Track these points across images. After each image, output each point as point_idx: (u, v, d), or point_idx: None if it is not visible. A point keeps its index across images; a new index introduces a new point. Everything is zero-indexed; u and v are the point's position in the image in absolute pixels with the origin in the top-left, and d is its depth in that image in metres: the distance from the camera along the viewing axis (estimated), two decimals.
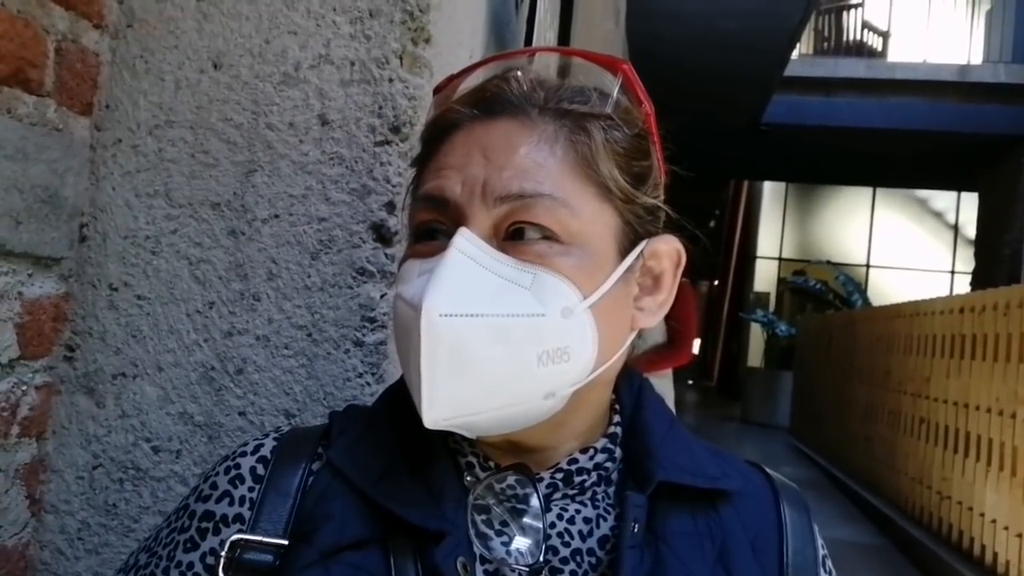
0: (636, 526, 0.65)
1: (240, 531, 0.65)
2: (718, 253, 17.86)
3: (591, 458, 0.70)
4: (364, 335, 1.06)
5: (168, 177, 1.10)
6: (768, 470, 0.78)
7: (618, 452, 0.71)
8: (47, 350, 1.09)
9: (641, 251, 0.69)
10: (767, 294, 15.22)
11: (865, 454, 6.95)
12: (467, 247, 0.62)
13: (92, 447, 1.10)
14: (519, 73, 0.68)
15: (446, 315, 0.59)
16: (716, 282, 19.08)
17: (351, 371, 1.06)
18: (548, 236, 0.63)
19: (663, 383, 4.01)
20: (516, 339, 0.60)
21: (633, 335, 0.71)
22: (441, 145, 0.68)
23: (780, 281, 15.00)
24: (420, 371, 0.59)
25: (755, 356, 13.84)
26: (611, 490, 0.70)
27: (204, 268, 1.09)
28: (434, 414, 0.60)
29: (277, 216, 1.08)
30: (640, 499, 0.66)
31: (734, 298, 16.55)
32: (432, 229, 0.66)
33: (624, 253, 0.67)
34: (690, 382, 17.47)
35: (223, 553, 0.64)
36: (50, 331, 1.09)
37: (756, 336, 13.86)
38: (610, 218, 0.66)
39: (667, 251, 0.71)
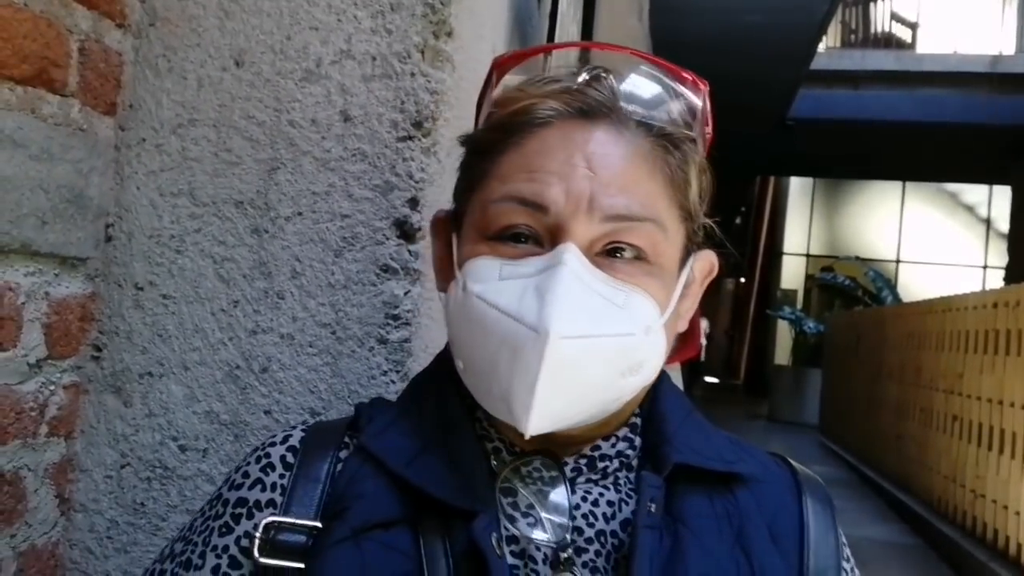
0: (653, 506, 0.66)
1: (273, 515, 0.67)
2: (745, 250, 17.72)
3: (613, 445, 0.71)
4: (388, 332, 1.05)
5: (192, 176, 1.10)
6: (792, 462, 0.78)
7: (638, 440, 0.73)
8: (75, 350, 1.10)
9: (691, 266, 0.72)
10: (794, 291, 15.08)
11: (897, 452, 6.85)
12: (576, 266, 0.62)
13: (120, 446, 1.11)
14: (610, 76, 0.68)
15: (567, 337, 0.60)
16: (743, 279, 18.94)
17: (375, 369, 1.05)
18: (639, 256, 0.65)
19: (672, 376, 3.99)
20: (610, 357, 0.63)
21: (673, 340, 0.72)
22: (529, 140, 0.66)
23: (808, 278, 14.86)
24: (534, 389, 0.60)
25: (782, 354, 13.71)
26: (632, 475, 0.71)
27: (228, 267, 1.09)
28: (539, 427, 0.62)
29: (300, 214, 1.07)
30: (656, 480, 0.67)
31: (761, 295, 16.41)
32: (520, 233, 0.65)
33: (681, 268, 0.70)
34: (716, 380, 17.35)
35: (258, 535, 0.66)
36: (77, 331, 1.09)
37: (783, 333, 13.73)
38: (683, 236, 0.70)
39: (700, 264, 0.74)
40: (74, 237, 1.06)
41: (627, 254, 0.65)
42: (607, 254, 0.65)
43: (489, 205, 0.67)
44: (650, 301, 0.65)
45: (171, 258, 1.10)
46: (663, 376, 0.77)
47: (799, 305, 14.30)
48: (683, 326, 0.73)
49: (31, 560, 1.05)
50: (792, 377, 11.93)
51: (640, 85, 0.69)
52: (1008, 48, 11.35)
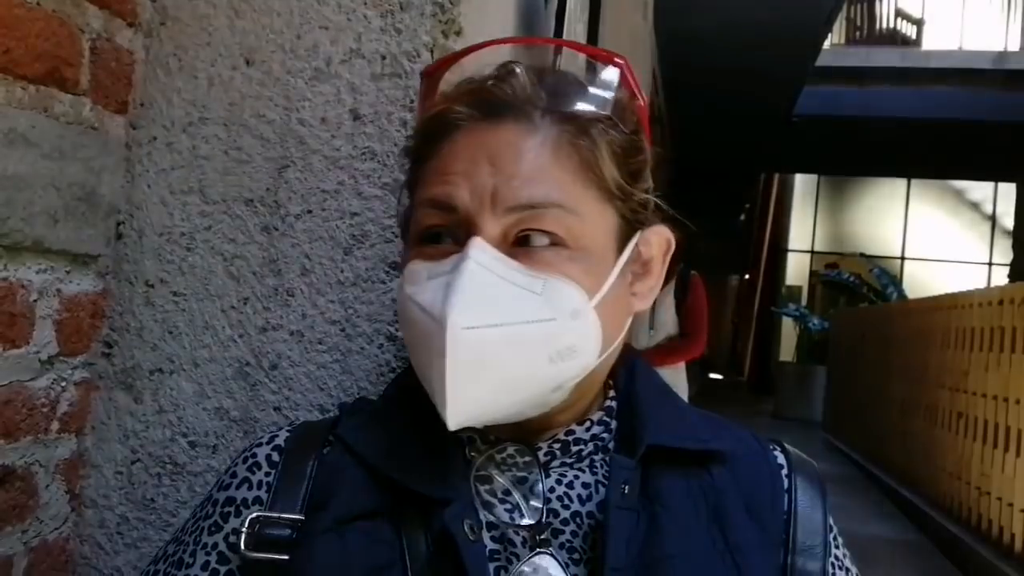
0: (626, 487, 0.67)
1: (259, 511, 0.69)
2: (749, 246, 17.69)
3: (587, 429, 0.73)
4: (398, 330, 1.05)
5: (202, 174, 1.11)
6: (787, 446, 0.79)
7: (614, 424, 0.74)
8: (86, 347, 1.10)
9: (636, 243, 0.72)
10: (799, 288, 15.04)
11: (902, 449, 6.84)
12: (482, 257, 0.64)
13: (130, 442, 1.11)
14: (518, 71, 0.69)
15: (469, 327, 0.61)
16: (747, 276, 18.91)
17: (384, 366, 1.06)
18: (556, 242, 0.66)
19: (676, 375, 3.99)
20: (530, 344, 0.64)
21: (630, 319, 0.74)
22: (441, 145, 0.69)
23: (812, 274, 14.82)
24: (444, 381, 0.61)
25: (787, 351, 13.69)
26: (608, 458, 0.72)
27: (238, 264, 1.10)
28: (457, 419, 0.63)
29: (310, 211, 1.08)
30: (627, 462, 0.68)
31: (765, 292, 16.38)
32: (439, 234, 0.68)
33: (621, 247, 0.70)
34: (720, 377, 17.35)
35: (244, 530, 0.67)
36: (88, 328, 1.10)
37: (788, 330, 13.71)
38: (610, 217, 0.69)
39: (656, 239, 0.74)
40: (85, 235, 1.07)
41: (540, 240, 0.65)
42: (520, 242, 0.66)
43: (415, 212, 0.71)
44: (572, 285, 0.65)
45: (181, 255, 1.11)
46: (638, 360, 0.79)
47: (804, 302, 14.24)
48: (646, 304, 0.73)
49: (42, 555, 1.06)
50: (797, 374, 11.91)
51: (549, 74, 0.71)
52: (1014, 44, 11.30)
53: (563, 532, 0.68)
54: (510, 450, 0.70)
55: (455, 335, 0.61)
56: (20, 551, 1.02)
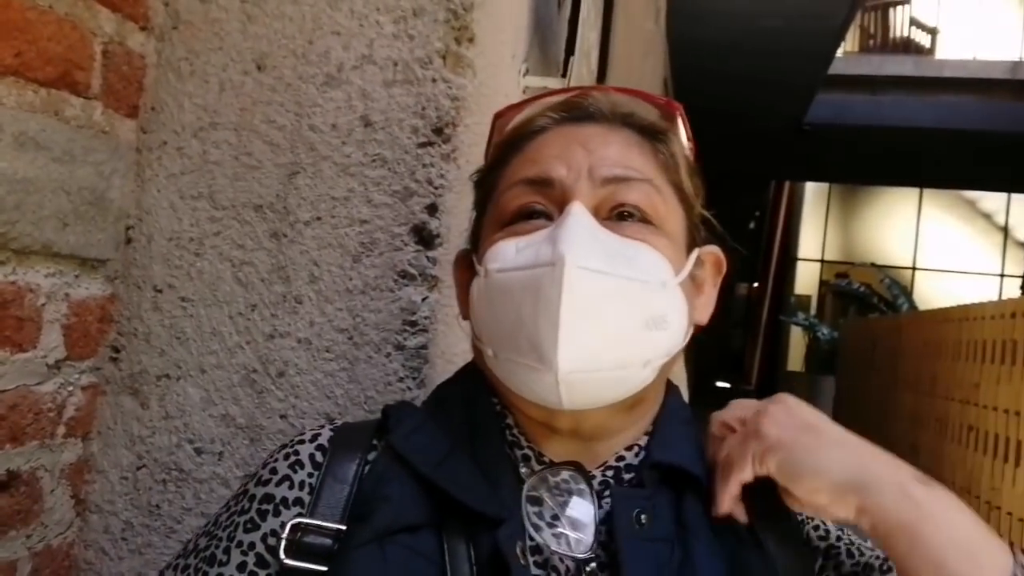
0: (643, 516, 0.66)
1: (300, 514, 0.67)
2: (758, 255, 17.64)
3: (636, 455, 0.72)
4: (405, 339, 1.05)
5: (212, 179, 1.10)
6: None
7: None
8: (93, 351, 1.10)
9: (698, 256, 0.75)
10: (808, 297, 14.98)
11: (911, 462, 6.74)
12: (583, 217, 0.66)
13: (136, 448, 1.11)
14: (595, 92, 0.76)
15: (584, 268, 0.63)
16: (756, 284, 18.85)
17: (392, 375, 1.05)
18: (644, 219, 0.69)
19: (676, 370, 3.98)
20: (630, 301, 0.66)
21: (691, 329, 0.74)
22: (528, 146, 0.73)
23: (822, 284, 14.77)
24: (558, 320, 0.62)
25: (795, 360, 13.63)
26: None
27: (247, 270, 1.09)
28: (567, 363, 0.62)
29: (319, 218, 1.07)
30: (636, 492, 0.68)
31: (774, 301, 16.32)
32: (532, 211, 0.70)
33: (688, 252, 0.74)
34: (727, 386, 17.29)
35: (284, 535, 0.66)
36: (96, 332, 1.10)
37: (797, 340, 13.66)
38: (682, 217, 0.74)
39: (711, 259, 0.78)
40: (94, 239, 1.06)
41: (633, 217, 0.69)
42: (614, 219, 0.69)
43: (500, 197, 0.72)
44: (660, 257, 0.68)
45: (190, 261, 1.10)
46: (674, 386, 0.79)
47: (813, 311, 14.21)
48: (700, 319, 0.75)
49: (46, 560, 1.05)
50: (805, 384, 11.85)
51: (623, 99, 0.77)
52: None
53: (607, 567, 0.66)
54: (565, 475, 0.68)
55: (572, 272, 0.62)
56: (24, 556, 1.02)
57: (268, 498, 0.69)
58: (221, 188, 1.10)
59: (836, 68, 8.44)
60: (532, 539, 0.65)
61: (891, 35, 12.66)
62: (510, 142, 0.75)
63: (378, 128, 1.07)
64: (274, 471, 0.71)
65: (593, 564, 0.65)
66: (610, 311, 0.64)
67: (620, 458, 0.71)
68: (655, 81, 6.02)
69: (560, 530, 0.66)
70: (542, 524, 0.66)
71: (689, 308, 0.72)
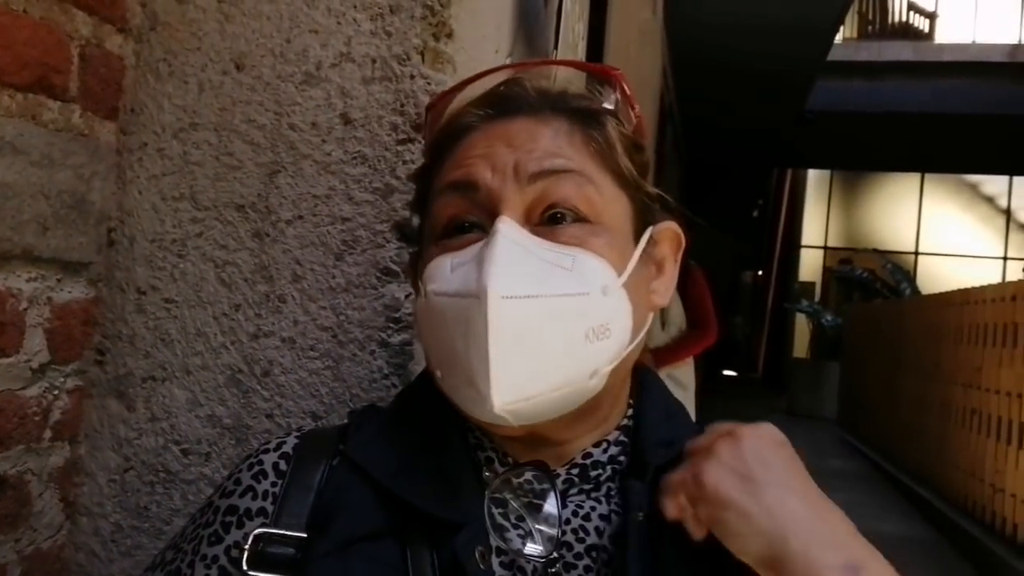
0: (641, 515, 0.65)
1: (263, 525, 0.67)
2: (762, 243, 17.60)
3: (604, 451, 0.71)
4: (389, 336, 1.05)
5: (193, 180, 1.10)
6: None
7: (630, 445, 0.72)
8: (78, 354, 1.10)
9: (651, 236, 0.72)
10: (812, 284, 14.95)
11: (915, 446, 6.80)
12: (511, 232, 0.63)
13: (124, 450, 1.11)
14: (524, 80, 0.72)
15: (509, 297, 0.60)
16: (760, 272, 18.82)
17: (377, 372, 1.05)
18: (579, 218, 0.66)
19: (684, 372, 3.98)
20: (567, 318, 0.63)
21: (651, 317, 0.72)
22: (456, 146, 0.70)
23: (826, 270, 14.73)
24: (487, 356, 0.59)
25: (801, 347, 13.62)
26: (624, 485, 0.70)
27: (230, 270, 1.09)
28: (502, 398, 0.61)
29: (301, 217, 1.07)
30: (639, 486, 0.67)
31: (779, 288, 16.30)
32: (463, 223, 0.67)
33: (637, 237, 0.70)
34: (734, 374, 17.28)
35: (247, 546, 0.65)
36: (80, 335, 1.10)
37: (802, 326, 13.63)
38: (626, 203, 0.70)
39: (667, 235, 0.74)
40: (76, 242, 1.06)
41: (567, 218, 0.65)
42: (547, 223, 0.66)
43: (433, 205, 0.70)
44: (600, 261, 0.65)
45: (173, 262, 1.10)
46: (648, 374, 0.77)
47: (817, 298, 14.17)
48: (665, 300, 0.73)
49: (36, 564, 1.06)
50: (810, 371, 11.84)
51: (547, 83, 0.73)
52: None
53: (576, 567, 0.66)
54: (528, 475, 0.67)
55: (496, 304, 0.59)
56: (13, 560, 1.02)
57: (232, 510, 0.68)
58: (202, 189, 1.10)
59: (835, 55, 8.40)
60: (498, 541, 0.65)
61: (890, 20, 12.60)
62: (439, 143, 0.73)
63: (358, 125, 1.06)
64: (238, 482, 0.70)
65: (559, 565, 0.65)
66: (545, 334, 0.62)
67: (587, 455, 0.70)
68: (653, 72, 6.00)
69: (525, 531, 0.65)
70: (507, 525, 0.66)
71: (640, 298, 0.69)
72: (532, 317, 0.61)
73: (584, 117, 0.69)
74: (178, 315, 1.10)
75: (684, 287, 3.99)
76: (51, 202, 1.01)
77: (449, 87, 0.78)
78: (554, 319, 0.62)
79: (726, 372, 17.14)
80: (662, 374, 3.81)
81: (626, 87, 0.72)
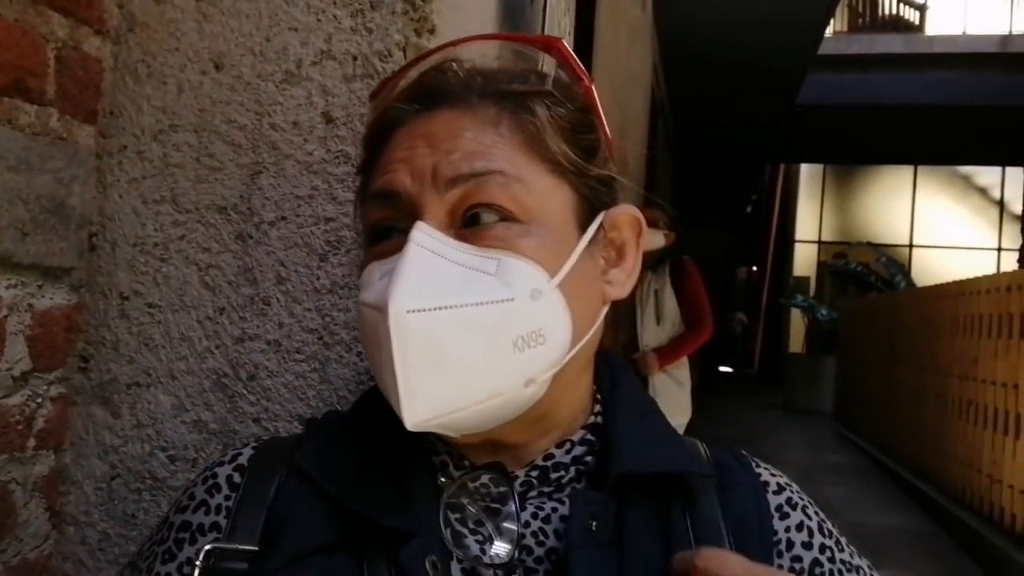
0: (595, 523, 0.62)
1: (216, 540, 0.65)
2: (756, 238, 17.60)
3: (568, 452, 0.68)
4: None
5: (174, 182, 1.09)
6: (752, 459, 0.74)
7: (599, 444, 0.69)
8: (61, 361, 1.08)
9: (601, 223, 0.68)
10: (807, 278, 14.97)
11: (912, 439, 6.80)
12: (425, 240, 0.60)
13: (109, 457, 1.09)
14: (454, 63, 0.68)
15: (413, 311, 0.57)
16: (755, 268, 18.82)
17: (364, 374, 1.03)
18: (506, 217, 0.62)
19: (680, 372, 3.96)
20: (489, 328, 0.59)
21: (605, 310, 0.69)
22: (385, 145, 0.67)
23: (820, 265, 14.75)
24: (395, 373, 0.57)
25: (796, 342, 13.62)
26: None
27: (213, 273, 1.07)
28: (415, 416, 0.58)
29: (284, 218, 1.06)
30: (595, 495, 0.64)
31: (773, 283, 16.31)
32: (387, 228, 0.65)
33: (584, 227, 0.66)
34: (730, 369, 17.29)
35: (198, 562, 0.63)
36: (63, 342, 1.08)
37: (797, 321, 13.64)
38: (566, 193, 0.65)
39: (626, 220, 0.70)
40: (56, 247, 1.04)
41: (489, 217, 0.61)
42: (469, 223, 0.62)
43: (364, 208, 0.68)
44: (529, 263, 0.61)
45: (156, 266, 1.09)
46: (621, 369, 0.74)
47: (812, 292, 14.19)
48: (624, 292, 0.69)
49: (22, 574, 1.04)
50: (806, 365, 11.85)
51: (481, 62, 0.69)
52: (1018, 27, 11.20)
53: (536, 572, 0.63)
54: (484, 479, 0.64)
55: (399, 319, 0.56)
56: None
57: (185, 526, 0.67)
58: (184, 191, 1.08)
59: (826, 48, 8.41)
60: (455, 547, 0.62)
61: (880, 13, 12.62)
62: (369, 138, 0.70)
63: (340, 124, 1.05)
64: (192, 497, 0.68)
65: (519, 571, 0.63)
66: (459, 348, 0.58)
67: (549, 456, 0.67)
68: (644, 68, 5.99)
69: (482, 536, 0.63)
70: (464, 531, 0.63)
71: (587, 294, 0.65)
72: (446, 329, 0.58)
73: (513, 101, 0.65)
74: (162, 320, 1.09)
75: (679, 282, 3.97)
76: (30, 207, 0.99)
77: (387, 77, 0.75)
78: (473, 329, 0.58)
79: (722, 368, 17.15)
80: (661, 374, 3.81)
81: (570, 58, 0.68)
